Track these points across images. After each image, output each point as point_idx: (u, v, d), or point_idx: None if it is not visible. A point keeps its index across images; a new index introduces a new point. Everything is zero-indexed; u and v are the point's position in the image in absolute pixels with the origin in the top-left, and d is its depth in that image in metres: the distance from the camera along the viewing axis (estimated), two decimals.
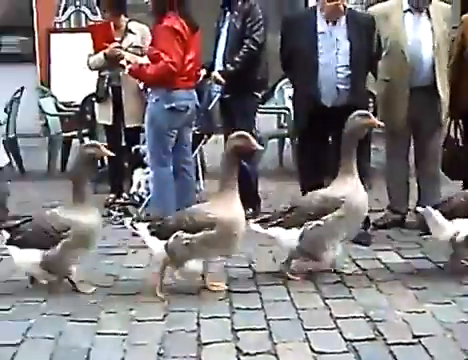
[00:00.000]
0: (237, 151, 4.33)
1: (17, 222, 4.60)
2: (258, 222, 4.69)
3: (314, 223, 4.47)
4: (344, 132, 4.60)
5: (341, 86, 5.33)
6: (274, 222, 4.62)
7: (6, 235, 4.51)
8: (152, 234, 4.40)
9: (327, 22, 5.33)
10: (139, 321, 3.97)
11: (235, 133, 4.38)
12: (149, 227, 4.42)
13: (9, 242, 4.50)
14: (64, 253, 4.34)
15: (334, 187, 4.59)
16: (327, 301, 4.21)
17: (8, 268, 4.80)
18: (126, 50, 6.41)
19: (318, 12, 5.38)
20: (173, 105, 5.44)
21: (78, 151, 4.63)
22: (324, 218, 4.46)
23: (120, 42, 6.50)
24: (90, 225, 4.40)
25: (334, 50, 5.32)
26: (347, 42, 5.32)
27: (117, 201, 6.34)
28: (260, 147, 4.43)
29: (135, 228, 4.48)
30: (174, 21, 5.37)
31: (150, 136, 5.53)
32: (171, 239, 4.27)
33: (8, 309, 4.20)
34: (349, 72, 5.33)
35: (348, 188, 4.52)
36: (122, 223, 6.00)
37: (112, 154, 4.70)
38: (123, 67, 5.76)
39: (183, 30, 5.38)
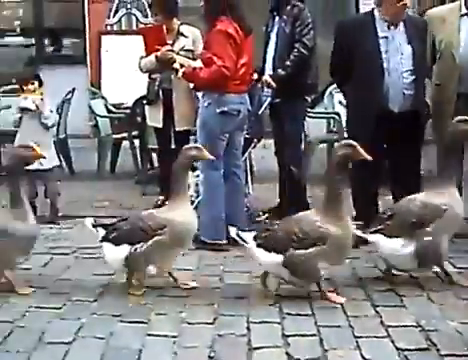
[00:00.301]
0: (346, 160, 4.30)
1: (114, 220, 4.70)
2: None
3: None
4: (444, 138, 4.56)
5: (407, 91, 5.31)
6: (374, 228, 4.57)
7: (102, 232, 4.56)
8: (259, 246, 4.36)
9: (388, 27, 5.28)
10: (189, 324, 3.98)
11: (343, 142, 4.35)
12: (255, 238, 4.38)
13: (104, 239, 4.54)
14: (153, 251, 4.38)
15: (432, 194, 4.54)
16: (378, 309, 4.16)
17: (59, 267, 4.86)
18: (178, 53, 6.44)
19: (377, 16, 5.33)
20: (225, 109, 5.44)
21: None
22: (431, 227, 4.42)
23: (172, 45, 6.53)
24: (186, 224, 4.45)
25: (398, 55, 5.29)
26: (409, 46, 5.30)
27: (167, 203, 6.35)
28: (369, 157, 4.32)
29: (241, 238, 4.43)
30: (227, 25, 5.37)
31: (201, 139, 5.54)
32: (286, 255, 4.24)
33: (60, 308, 4.25)
34: (413, 77, 5.31)
35: (447, 196, 4.47)
36: None
37: None
38: (177, 71, 5.77)
39: (236, 34, 5.37)
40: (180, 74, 5.63)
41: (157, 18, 6.64)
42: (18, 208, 4.50)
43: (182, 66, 5.69)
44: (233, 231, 4.50)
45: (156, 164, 7.82)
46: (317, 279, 4.31)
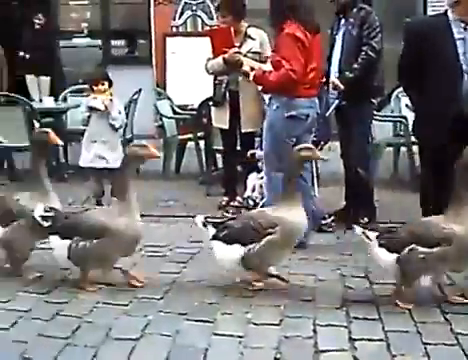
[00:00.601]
0: None
1: (223, 219, 4.72)
2: None
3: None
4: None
5: None
6: None
7: (212, 230, 4.57)
8: (381, 246, 4.32)
9: (464, 28, 5.18)
10: (255, 324, 3.97)
11: None
12: (378, 237, 4.35)
13: (214, 237, 4.54)
14: (267, 250, 4.36)
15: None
16: (447, 316, 4.08)
17: (126, 264, 4.89)
18: (245, 55, 6.44)
19: (451, 17, 5.22)
20: (293, 113, 5.39)
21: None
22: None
23: (239, 47, 6.53)
24: (297, 224, 4.42)
25: None
26: None
27: (231, 204, 6.38)
28: None
29: (367, 236, 4.39)
30: (295, 28, 5.32)
31: (268, 142, 5.52)
32: (405, 252, 4.19)
33: (126, 305, 4.30)
34: None
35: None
36: None
37: None
38: (247, 74, 5.74)
39: (305, 37, 5.34)
40: (251, 77, 5.61)
41: (225, 20, 6.64)
42: (124, 203, 4.48)
43: (252, 69, 5.67)
44: (358, 229, 4.42)
45: (220, 165, 7.84)
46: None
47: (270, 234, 4.33)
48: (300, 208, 4.46)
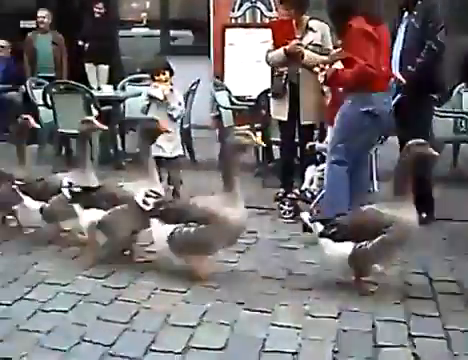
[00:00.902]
0: None
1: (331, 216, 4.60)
2: None
3: None
4: None
5: None
6: None
7: (319, 227, 4.46)
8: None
9: None
10: (313, 316, 3.96)
11: None
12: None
13: (322, 235, 4.43)
14: (379, 249, 4.26)
15: None
16: None
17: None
18: (306, 47, 6.40)
19: None
20: (369, 109, 5.28)
21: None
22: None
23: (300, 39, 6.49)
24: (412, 224, 4.32)
25: None
26: None
27: (288, 196, 6.35)
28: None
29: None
30: (362, 22, 5.24)
31: (338, 135, 5.41)
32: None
33: (184, 292, 4.33)
34: None
35: None
36: (292, 218, 6.11)
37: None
38: (316, 73, 5.65)
39: (373, 30, 5.23)
40: (321, 79, 5.53)
41: (290, 12, 6.57)
42: (230, 193, 4.42)
43: (322, 70, 5.56)
44: None
45: (276, 157, 7.82)
46: None
47: (384, 233, 4.24)
48: (413, 208, 4.33)
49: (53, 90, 8.72)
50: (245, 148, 4.63)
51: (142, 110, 6.86)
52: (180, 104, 6.77)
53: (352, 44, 5.28)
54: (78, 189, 4.92)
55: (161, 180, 6.71)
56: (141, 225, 4.77)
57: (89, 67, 11.84)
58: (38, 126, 5.95)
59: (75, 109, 8.33)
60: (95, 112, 8.38)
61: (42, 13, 11.16)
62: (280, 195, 6.57)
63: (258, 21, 11.44)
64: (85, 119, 5.56)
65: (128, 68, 12.10)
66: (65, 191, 4.91)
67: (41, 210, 5.26)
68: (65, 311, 4.05)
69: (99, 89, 9.97)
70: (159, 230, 4.56)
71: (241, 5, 11.58)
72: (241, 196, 4.47)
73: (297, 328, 3.79)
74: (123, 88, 9.73)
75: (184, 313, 4.01)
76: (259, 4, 11.47)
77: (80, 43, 11.78)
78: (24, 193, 5.34)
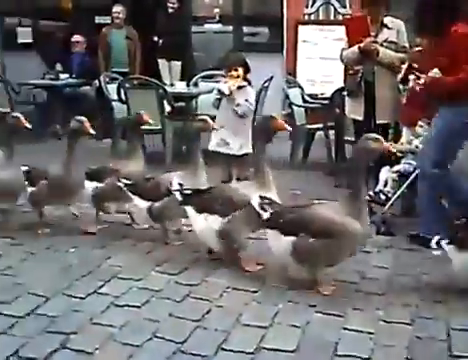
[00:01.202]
0: None
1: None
2: None
3: None
4: None
5: None
6: None
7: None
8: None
9: None
10: (386, 322, 3.90)
11: None
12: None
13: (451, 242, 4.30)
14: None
15: None
16: None
17: (257, 251, 4.90)
18: (381, 45, 6.31)
19: None
20: None
21: None
22: None
23: (375, 37, 6.40)
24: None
25: None
26: None
27: None
28: None
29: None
30: (466, 27, 5.02)
31: (437, 143, 5.20)
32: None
33: (256, 292, 4.32)
34: None
35: None
36: None
37: None
38: (396, 72, 5.48)
39: None
40: (418, 87, 5.38)
41: (364, 10, 6.48)
42: (354, 205, 4.21)
43: (418, 78, 5.40)
44: None
45: (349, 156, 7.73)
46: None
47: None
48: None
49: (127, 85, 8.83)
50: (376, 153, 4.35)
51: (213, 105, 6.88)
52: (247, 100, 6.71)
53: (458, 50, 5.01)
54: (189, 191, 4.83)
55: (231, 178, 6.74)
56: (254, 229, 4.68)
57: (162, 63, 11.92)
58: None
59: (149, 105, 8.39)
60: (168, 108, 8.45)
61: (117, 9, 11.32)
62: None
63: (331, 18, 11.32)
64: (201, 117, 5.50)
65: (200, 64, 12.15)
66: (176, 193, 4.84)
67: (149, 210, 5.22)
68: (138, 306, 4.10)
69: (172, 85, 10.05)
70: (278, 240, 4.34)
71: (315, 2, 11.47)
72: (365, 204, 4.33)
73: (369, 333, 3.74)
74: (196, 84, 9.76)
75: (256, 313, 4.00)
76: (333, 1, 11.35)
77: (154, 38, 11.88)
78: (132, 192, 5.31)
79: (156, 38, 11.88)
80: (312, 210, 4.39)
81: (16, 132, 5.54)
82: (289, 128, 4.90)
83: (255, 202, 4.42)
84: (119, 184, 5.35)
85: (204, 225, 4.71)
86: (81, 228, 5.66)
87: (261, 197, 4.44)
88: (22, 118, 5.51)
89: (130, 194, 5.32)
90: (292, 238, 4.25)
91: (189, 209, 4.80)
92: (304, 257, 4.26)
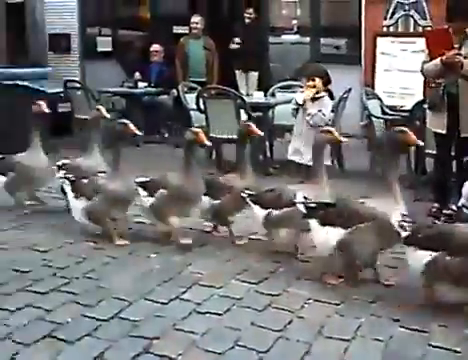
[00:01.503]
0: None
1: None
2: None
3: None
4: None
5: None
6: None
7: None
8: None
9: None
10: None
11: None
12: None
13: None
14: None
15: None
16: None
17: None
18: (465, 57, 6.18)
19: None
20: None
21: None
22: None
23: (459, 49, 6.27)
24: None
25: None
26: None
27: (444, 212, 6.16)
28: None
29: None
30: None
31: None
32: None
33: (338, 304, 4.29)
34: None
35: None
36: None
37: None
38: None
39: None
40: None
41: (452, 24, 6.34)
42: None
43: None
44: None
45: (429, 170, 7.62)
46: None
47: None
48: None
49: (205, 95, 8.91)
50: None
51: (292, 114, 6.95)
52: (321, 111, 6.72)
53: None
54: (313, 204, 4.74)
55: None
56: (387, 244, 4.57)
57: (239, 73, 12.00)
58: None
59: (227, 114, 8.49)
60: (244, 117, 8.49)
61: (195, 19, 11.47)
62: (434, 210, 6.39)
63: (411, 30, 11.18)
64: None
65: (276, 75, 12.17)
66: (300, 206, 4.78)
67: (266, 217, 5.20)
68: (219, 314, 4.12)
69: (248, 95, 10.09)
70: (414, 258, 4.23)
71: (394, 13, 11.36)
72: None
73: (456, 352, 3.65)
74: (273, 95, 9.80)
75: (338, 326, 3.97)
76: (413, 12, 11.20)
77: (231, 48, 11.94)
78: (254, 202, 5.30)
79: (233, 48, 11.91)
80: (455, 226, 4.26)
81: (123, 139, 5.62)
82: (421, 142, 4.77)
83: (394, 218, 4.30)
84: (242, 195, 5.32)
85: (324, 238, 4.62)
86: (175, 241, 5.53)
87: (399, 214, 4.33)
88: (130, 125, 5.54)
89: (251, 204, 5.31)
90: (426, 254, 4.13)
91: (313, 222, 4.71)
92: (438, 275, 4.11)
